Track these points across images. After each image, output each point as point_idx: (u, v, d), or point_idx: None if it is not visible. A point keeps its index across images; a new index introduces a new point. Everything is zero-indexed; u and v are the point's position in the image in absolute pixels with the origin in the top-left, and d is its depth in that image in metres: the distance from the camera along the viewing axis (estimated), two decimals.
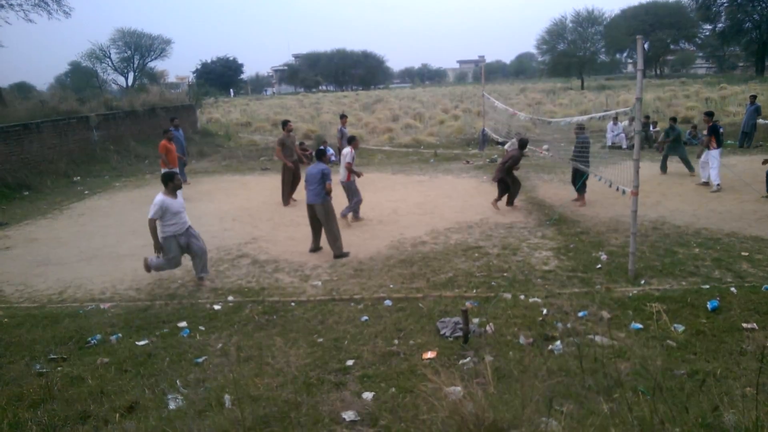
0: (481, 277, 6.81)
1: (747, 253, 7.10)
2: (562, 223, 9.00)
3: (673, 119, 13.86)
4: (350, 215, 9.68)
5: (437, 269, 7.17)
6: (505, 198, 10.23)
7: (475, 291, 6.37)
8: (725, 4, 56.41)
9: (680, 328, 5.13)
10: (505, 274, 6.85)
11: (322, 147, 8.67)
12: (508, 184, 10.16)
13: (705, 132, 11.39)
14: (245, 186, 14.16)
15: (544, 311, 5.62)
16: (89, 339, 5.50)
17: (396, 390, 4.27)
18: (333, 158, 16.53)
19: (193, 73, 78.30)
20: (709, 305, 5.50)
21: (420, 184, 13.23)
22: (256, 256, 8.18)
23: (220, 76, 77.95)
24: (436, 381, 3.73)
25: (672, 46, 69.98)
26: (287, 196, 11.52)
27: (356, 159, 9.49)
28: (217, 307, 6.25)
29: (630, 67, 77.40)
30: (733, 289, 5.93)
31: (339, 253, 7.89)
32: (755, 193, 10.02)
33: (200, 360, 4.97)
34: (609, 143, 17.56)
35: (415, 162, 17.00)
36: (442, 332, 5.29)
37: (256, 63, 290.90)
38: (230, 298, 6.55)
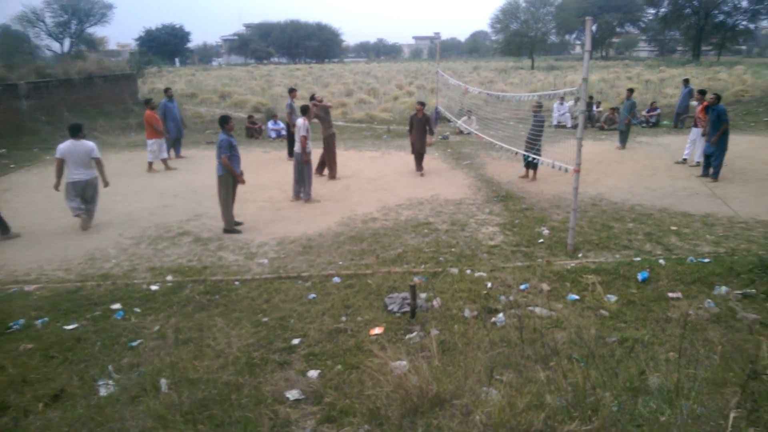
0: (429, 252, 6.86)
1: (676, 228, 7.48)
2: (509, 200, 9.17)
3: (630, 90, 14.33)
4: (309, 195, 9.53)
5: (387, 245, 7.16)
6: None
7: (423, 266, 6.41)
8: None
9: (613, 298, 5.35)
10: (452, 250, 6.93)
11: (225, 114, 8.38)
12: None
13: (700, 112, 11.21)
14: (189, 160, 13.60)
15: (489, 285, 5.73)
16: (11, 324, 5.12)
17: (342, 367, 4.25)
18: (283, 132, 16.13)
19: (136, 40, 73.89)
20: (639, 276, 5.76)
21: (372, 161, 13.13)
22: (198, 233, 7.91)
23: (165, 45, 73.68)
24: (382, 356, 3.73)
25: (618, 29, 72.19)
26: (333, 168, 11.31)
27: (310, 133, 9.25)
28: (154, 287, 5.98)
29: (578, 49, 79.47)
30: (661, 261, 6.22)
31: (228, 228, 7.87)
32: (687, 171, 10.53)
33: (135, 343, 4.74)
34: (555, 122, 17.98)
35: (368, 138, 16.86)
36: (389, 308, 5.30)
37: (204, 32, 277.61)
38: (169, 277, 6.29)
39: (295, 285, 6.00)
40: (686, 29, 61.28)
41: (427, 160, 12.80)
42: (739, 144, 13.36)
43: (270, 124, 17.02)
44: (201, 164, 12.99)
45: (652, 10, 64.87)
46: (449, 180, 10.89)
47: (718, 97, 10.09)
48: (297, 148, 9.32)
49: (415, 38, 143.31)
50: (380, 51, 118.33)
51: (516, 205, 8.88)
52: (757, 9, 55.83)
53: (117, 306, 5.52)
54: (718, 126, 9.68)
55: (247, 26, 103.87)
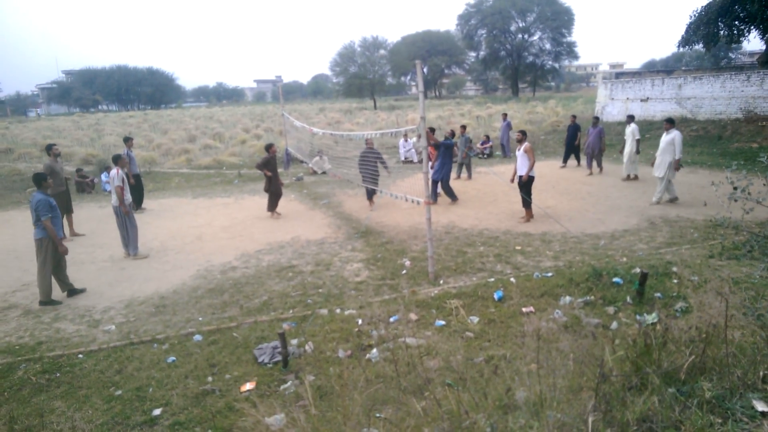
0: (296, 296, 6.72)
1: (520, 247, 8.33)
2: (369, 235, 9.44)
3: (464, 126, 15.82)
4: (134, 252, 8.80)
5: (250, 294, 6.87)
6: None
7: (291, 311, 6.25)
8: (484, 35, 67.51)
9: (475, 319, 5.73)
10: (320, 290, 6.88)
11: (40, 172, 7.51)
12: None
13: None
14: (8, 224, 11.77)
15: (360, 321, 5.77)
16: None
17: None
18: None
19: None
20: (495, 296, 6.25)
21: (225, 207, 12.61)
22: (28, 305, 6.89)
23: None
24: (254, 414, 3.51)
25: (446, 71, 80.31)
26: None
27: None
28: None
29: (414, 89, 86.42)
30: (512, 279, 6.83)
31: (45, 300, 6.87)
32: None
33: None
34: (402, 158, 19.15)
35: (218, 184, 16.20)
36: (260, 360, 5.06)
37: (16, 81, 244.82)
38: None
39: (150, 350, 5.45)
40: (504, 69, 70.80)
41: (283, 202, 12.71)
42: (562, 168, 15.58)
43: (104, 177, 15.46)
44: (23, 226, 11.28)
45: (473, 53, 73.68)
46: (308, 220, 10.89)
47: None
48: (114, 201, 8.74)
49: (257, 81, 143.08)
50: (221, 95, 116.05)
51: (376, 239, 9.16)
52: (558, 51, 66.80)
53: None
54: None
55: (68, 73, 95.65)
